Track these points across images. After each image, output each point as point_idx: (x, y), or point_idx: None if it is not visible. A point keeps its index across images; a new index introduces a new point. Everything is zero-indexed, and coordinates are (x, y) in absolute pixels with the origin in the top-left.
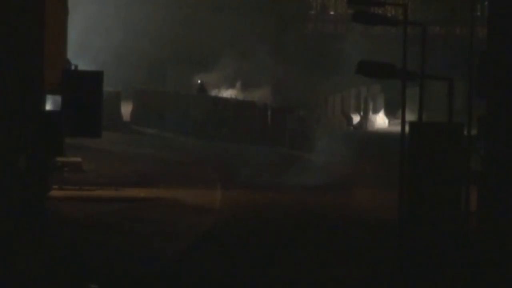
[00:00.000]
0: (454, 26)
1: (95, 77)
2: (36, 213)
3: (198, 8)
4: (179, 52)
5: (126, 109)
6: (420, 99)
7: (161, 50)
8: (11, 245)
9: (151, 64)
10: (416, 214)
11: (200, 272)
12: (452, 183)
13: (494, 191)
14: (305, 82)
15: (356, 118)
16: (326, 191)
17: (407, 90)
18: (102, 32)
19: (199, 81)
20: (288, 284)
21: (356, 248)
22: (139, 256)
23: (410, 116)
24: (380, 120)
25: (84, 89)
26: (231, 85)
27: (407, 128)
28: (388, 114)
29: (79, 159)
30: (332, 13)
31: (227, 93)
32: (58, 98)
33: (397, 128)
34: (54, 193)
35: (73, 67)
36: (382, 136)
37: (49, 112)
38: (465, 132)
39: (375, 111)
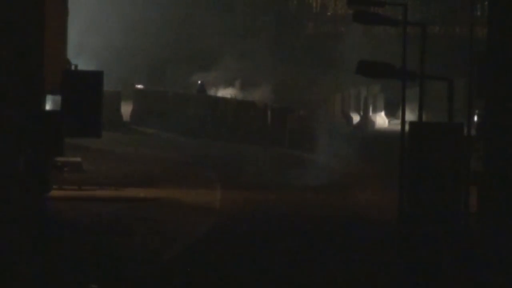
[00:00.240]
0: (454, 26)
1: (95, 77)
2: (36, 213)
3: (198, 8)
4: (179, 52)
5: (126, 109)
6: (420, 99)
7: (161, 50)
8: (11, 245)
9: (151, 64)
10: (416, 214)
11: (200, 272)
12: (452, 183)
13: (494, 191)
14: (305, 82)
15: (356, 118)
16: (326, 191)
17: (407, 90)
18: (102, 32)
19: (199, 81)
20: (288, 284)
21: (356, 248)
22: (139, 256)
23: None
24: (380, 120)
25: (84, 89)
26: (231, 85)
27: (407, 128)
28: (388, 114)
29: (79, 159)
30: (331, 13)
31: (227, 92)
32: (58, 98)
33: (397, 128)
34: (54, 193)
35: (73, 67)
36: (382, 136)
37: (49, 112)
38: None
39: (375, 111)
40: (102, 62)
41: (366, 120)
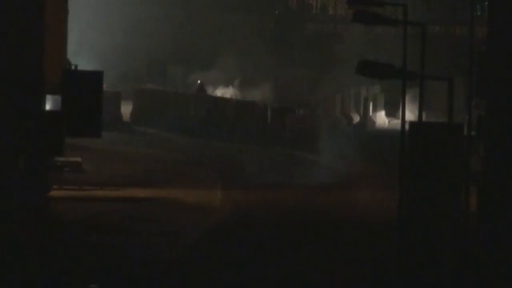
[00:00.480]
0: (454, 26)
1: (95, 77)
2: (36, 213)
3: (198, 8)
4: (179, 51)
5: (126, 109)
6: (420, 99)
7: (161, 50)
8: (11, 245)
9: (151, 64)
10: (416, 214)
11: (200, 272)
12: (451, 183)
13: (494, 191)
14: (305, 82)
15: (356, 118)
16: (326, 190)
17: (407, 91)
18: (102, 32)
19: (198, 82)
20: (288, 284)
21: (356, 248)
22: (139, 256)
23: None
24: (380, 120)
25: (84, 89)
26: (231, 85)
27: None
28: (388, 114)
29: (79, 159)
30: (331, 13)
31: (227, 92)
32: (58, 98)
33: (397, 128)
34: (54, 193)
35: (73, 67)
36: (382, 136)
37: (49, 112)
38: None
39: (375, 111)
40: (102, 62)
41: (366, 120)
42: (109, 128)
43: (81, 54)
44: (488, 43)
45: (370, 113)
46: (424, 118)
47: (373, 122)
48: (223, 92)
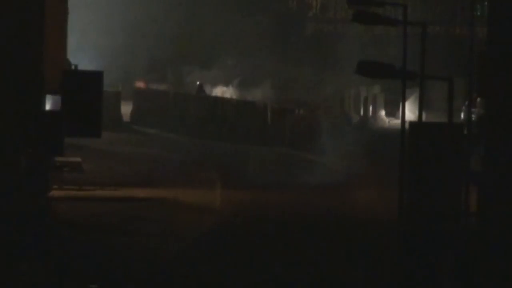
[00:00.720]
0: (454, 26)
1: (95, 77)
2: (36, 213)
3: (198, 8)
4: (179, 51)
5: (126, 109)
6: (420, 99)
7: (161, 50)
8: (11, 245)
9: (151, 64)
10: (416, 214)
11: (200, 272)
12: (452, 183)
13: (494, 191)
14: (305, 82)
15: (355, 118)
16: (326, 190)
17: (409, 91)
18: (102, 32)
19: (198, 82)
20: (288, 284)
21: (356, 248)
22: (139, 256)
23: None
24: (380, 120)
25: (84, 89)
26: (231, 85)
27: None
28: (388, 114)
29: (79, 159)
30: (331, 13)
31: (226, 92)
32: (58, 98)
33: (397, 128)
34: (54, 193)
35: (73, 67)
36: (382, 136)
37: (49, 112)
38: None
39: (375, 111)
40: (102, 62)
41: (365, 120)
42: (109, 128)
43: (81, 54)
44: (488, 43)
45: (370, 113)
46: (424, 118)
47: (373, 122)
48: (222, 91)
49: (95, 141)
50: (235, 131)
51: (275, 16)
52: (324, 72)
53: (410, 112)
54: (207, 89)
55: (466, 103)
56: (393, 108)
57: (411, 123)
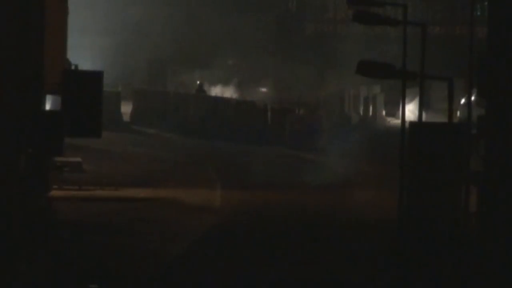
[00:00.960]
0: (454, 26)
1: (95, 77)
2: (36, 213)
3: (198, 7)
4: (179, 52)
5: (126, 109)
6: (420, 99)
7: (162, 50)
8: (11, 245)
9: (151, 64)
10: (416, 214)
11: (200, 272)
12: (452, 183)
13: (494, 191)
14: (305, 82)
15: (356, 118)
16: (326, 190)
17: (409, 91)
18: (102, 32)
19: (198, 82)
20: (288, 285)
21: (356, 248)
22: (139, 256)
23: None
24: (380, 120)
25: (84, 89)
26: (231, 84)
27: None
28: (388, 114)
29: (79, 159)
30: (331, 13)
31: (226, 91)
32: (58, 98)
33: (396, 128)
34: (54, 193)
35: (73, 67)
36: (381, 136)
37: (49, 112)
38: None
39: (375, 111)
40: (102, 62)
41: (366, 120)
42: (109, 128)
43: (81, 54)
44: (488, 43)
45: (370, 113)
46: (424, 118)
47: (373, 122)
48: (222, 91)
49: (95, 141)
50: (235, 131)
51: (275, 16)
52: (324, 72)
53: (410, 112)
54: (207, 88)
55: (462, 102)
56: (393, 108)
57: (411, 123)
